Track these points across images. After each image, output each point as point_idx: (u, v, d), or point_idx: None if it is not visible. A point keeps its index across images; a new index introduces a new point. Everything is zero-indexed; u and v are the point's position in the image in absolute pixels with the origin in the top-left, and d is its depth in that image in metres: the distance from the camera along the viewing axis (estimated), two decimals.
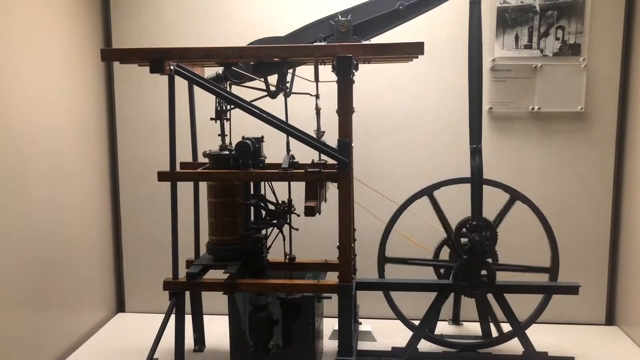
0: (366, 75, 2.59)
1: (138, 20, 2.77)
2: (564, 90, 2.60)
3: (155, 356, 2.40)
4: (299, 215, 2.10)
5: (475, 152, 2.24)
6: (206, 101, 2.18)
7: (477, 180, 2.23)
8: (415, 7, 2.11)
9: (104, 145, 2.85)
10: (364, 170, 2.66)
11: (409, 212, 2.39)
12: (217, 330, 2.55)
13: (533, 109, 2.63)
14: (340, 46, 1.93)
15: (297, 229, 2.19)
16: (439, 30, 2.61)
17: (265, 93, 2.18)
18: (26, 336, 2.23)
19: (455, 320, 2.70)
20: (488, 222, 2.27)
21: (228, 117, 2.21)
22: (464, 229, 2.28)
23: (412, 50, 1.91)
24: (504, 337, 2.36)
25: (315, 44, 2.03)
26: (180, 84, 2.04)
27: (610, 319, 2.75)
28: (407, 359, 2.32)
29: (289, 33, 2.15)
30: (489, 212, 2.30)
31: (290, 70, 2.22)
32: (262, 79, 2.15)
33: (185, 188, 2.30)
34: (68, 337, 2.53)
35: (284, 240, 2.19)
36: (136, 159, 2.88)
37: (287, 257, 2.22)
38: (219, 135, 2.20)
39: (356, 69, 2.25)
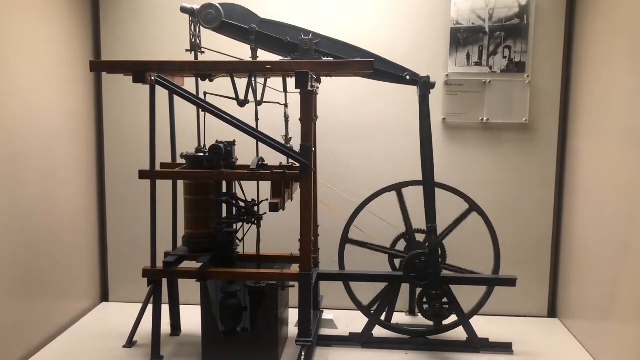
0: (335, 88, 2.78)
1: (126, 32, 2.92)
2: (510, 103, 2.80)
3: (134, 339, 2.62)
4: (265, 214, 2.26)
5: (432, 231, 2.42)
6: (187, 107, 2.30)
7: (433, 254, 2.45)
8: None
9: (92, 146, 2.97)
10: (331, 172, 2.86)
11: (365, 211, 2.59)
12: (192, 318, 2.64)
13: (482, 120, 2.82)
14: (294, 62, 2.09)
15: (260, 222, 2.34)
16: (399, 49, 2.76)
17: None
18: (15, 321, 2.34)
19: (411, 311, 2.89)
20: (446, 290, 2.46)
21: (203, 121, 2.36)
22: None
23: (363, 67, 2.09)
24: (451, 325, 2.53)
25: (278, 60, 2.21)
26: (164, 91, 2.20)
27: (552, 312, 2.94)
28: (362, 343, 2.55)
29: (265, 19, 2.28)
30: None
31: (262, 82, 2.44)
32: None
33: (166, 186, 2.47)
34: (54, 323, 2.64)
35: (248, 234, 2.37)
36: (121, 159, 3.00)
37: (254, 219, 2.33)
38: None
39: (319, 81, 2.47)
